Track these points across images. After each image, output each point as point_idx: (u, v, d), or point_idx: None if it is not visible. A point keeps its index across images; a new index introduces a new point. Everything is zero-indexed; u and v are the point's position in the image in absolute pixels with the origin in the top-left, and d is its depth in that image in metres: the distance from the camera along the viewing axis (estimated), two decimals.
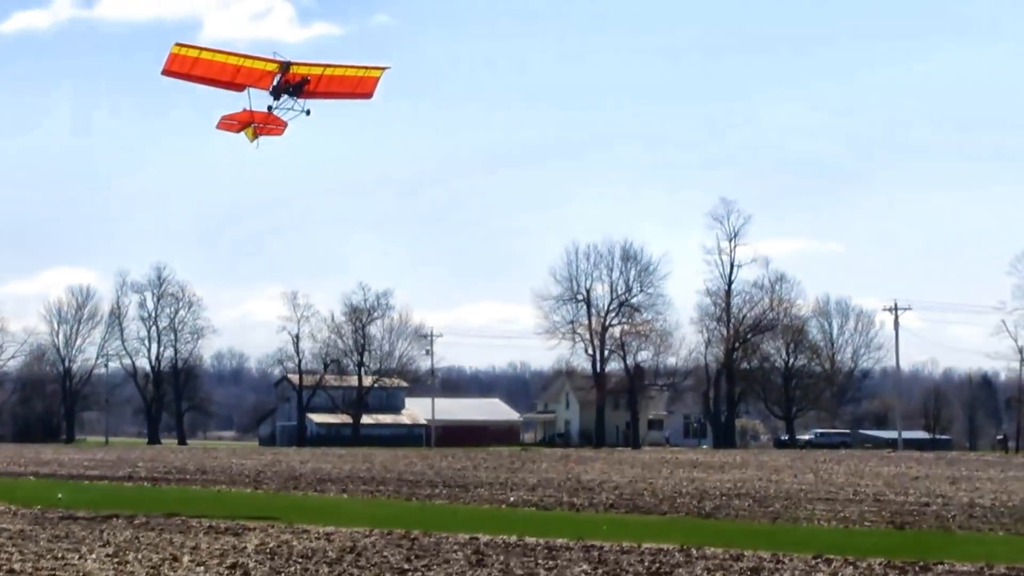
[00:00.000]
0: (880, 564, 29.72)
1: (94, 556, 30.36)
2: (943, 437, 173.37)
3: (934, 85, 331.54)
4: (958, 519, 47.23)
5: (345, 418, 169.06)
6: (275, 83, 31.93)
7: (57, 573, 27.10)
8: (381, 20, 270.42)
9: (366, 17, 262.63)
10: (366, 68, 32.83)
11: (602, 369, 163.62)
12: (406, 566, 29.15)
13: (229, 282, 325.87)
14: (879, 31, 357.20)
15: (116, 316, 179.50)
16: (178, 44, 30.40)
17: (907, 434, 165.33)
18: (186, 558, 30.36)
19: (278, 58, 31.93)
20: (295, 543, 34.47)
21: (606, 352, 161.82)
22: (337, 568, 28.83)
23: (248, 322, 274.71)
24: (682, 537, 36.60)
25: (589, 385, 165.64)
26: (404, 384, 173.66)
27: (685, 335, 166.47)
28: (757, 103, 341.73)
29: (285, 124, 33.12)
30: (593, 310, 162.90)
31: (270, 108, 32.46)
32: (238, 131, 33.81)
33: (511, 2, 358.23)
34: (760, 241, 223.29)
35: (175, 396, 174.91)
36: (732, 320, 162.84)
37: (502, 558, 30.76)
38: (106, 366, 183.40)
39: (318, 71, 31.91)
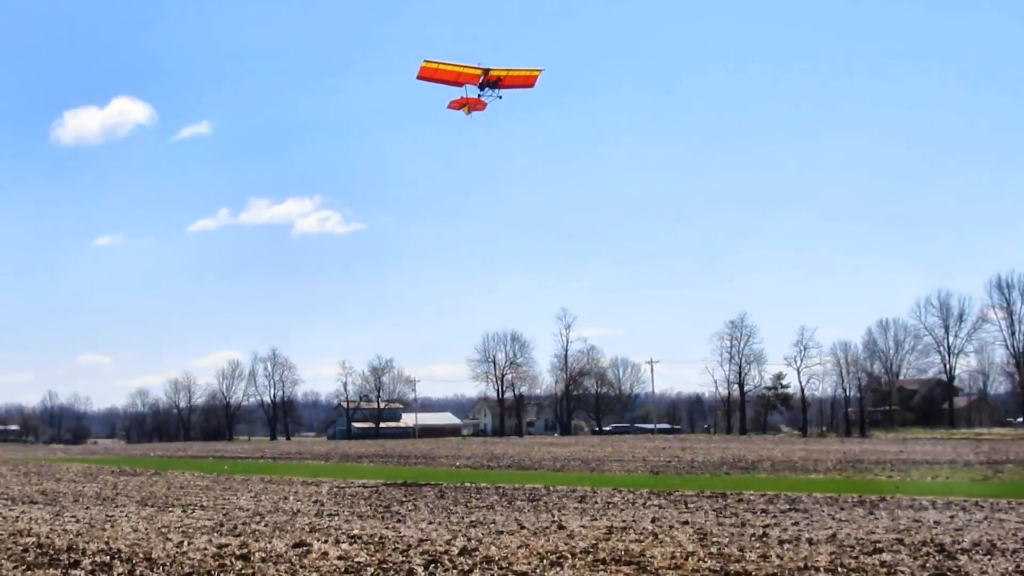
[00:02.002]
0: (646, 491, 45.29)
1: (245, 497, 46.32)
2: (678, 427, 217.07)
3: None
4: (685, 469, 70.43)
5: (371, 424, 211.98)
6: (480, 80, 37.68)
7: (223, 504, 41.96)
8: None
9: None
10: (530, 70, 38.22)
11: (501, 396, 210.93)
12: (402, 498, 44.54)
13: (308, 354, 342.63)
14: None
15: (252, 375, 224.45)
16: (426, 60, 37.20)
17: (660, 426, 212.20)
18: (291, 496, 46.11)
19: (481, 66, 37.76)
20: (347, 488, 51.44)
21: (504, 387, 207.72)
22: (366, 501, 44.36)
23: (320, 374, 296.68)
24: (545, 480, 55.34)
25: (495, 404, 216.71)
26: (400, 405, 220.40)
27: (545, 378, 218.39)
28: None
29: (486, 104, 38.31)
30: (496, 366, 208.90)
31: (479, 95, 38.17)
32: (458, 108, 38.68)
33: None
34: (583, 328, 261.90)
35: (283, 415, 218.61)
36: (569, 370, 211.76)
37: (455, 495, 46.15)
38: (247, 400, 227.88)
39: (503, 72, 37.54)
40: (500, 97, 37.98)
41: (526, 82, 38.39)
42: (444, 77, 37.10)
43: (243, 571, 23.16)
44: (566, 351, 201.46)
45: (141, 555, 26.17)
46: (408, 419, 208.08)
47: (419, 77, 36.60)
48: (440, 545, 27.53)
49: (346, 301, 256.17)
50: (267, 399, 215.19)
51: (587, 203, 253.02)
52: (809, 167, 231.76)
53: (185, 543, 28.83)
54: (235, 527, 33.31)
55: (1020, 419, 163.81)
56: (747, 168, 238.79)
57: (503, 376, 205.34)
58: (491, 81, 37.32)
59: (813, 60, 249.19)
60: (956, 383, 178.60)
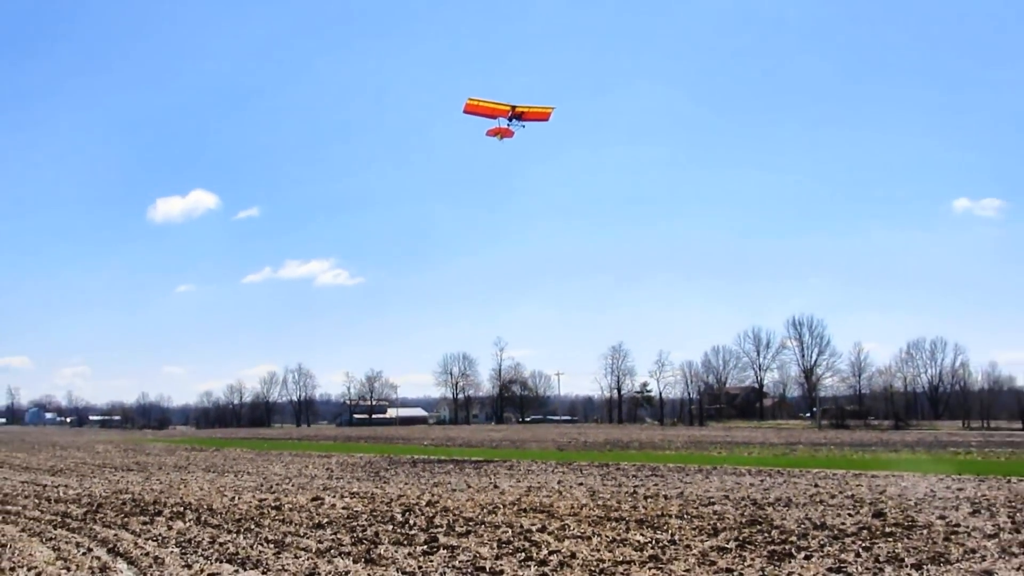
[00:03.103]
0: (554, 462, 45.38)
1: (278, 466, 46.28)
2: (576, 419, 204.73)
3: None
4: (581, 447, 69.23)
5: (366, 416, 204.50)
6: (510, 114, 34.04)
7: (263, 471, 42.08)
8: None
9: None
10: (545, 107, 34.86)
11: (455, 396, 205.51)
12: (387, 467, 44.74)
13: (323, 367, 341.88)
14: None
15: (284, 381, 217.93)
16: (470, 98, 34.26)
17: (564, 418, 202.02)
18: (310, 465, 45.99)
19: (510, 103, 34.21)
20: (348, 460, 51.21)
21: (457, 390, 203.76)
22: (362, 469, 44.21)
23: (332, 381, 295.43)
24: (484, 455, 54.58)
25: (451, 402, 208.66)
26: (386, 403, 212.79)
27: (485, 384, 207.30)
28: None
29: (514, 133, 34.71)
30: (452, 376, 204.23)
31: (508, 124, 34.28)
32: (494, 135, 34.96)
33: None
34: (512, 350, 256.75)
35: (305, 409, 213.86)
36: (502, 378, 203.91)
37: (423, 465, 46.28)
38: (280, 399, 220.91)
39: (526, 108, 34.44)
40: (523, 127, 35.27)
41: (542, 116, 35.69)
42: (483, 111, 34.76)
43: (276, 517, 22.95)
44: (500, 365, 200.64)
45: (205, 506, 26.11)
46: (391, 412, 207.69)
47: (465, 111, 34.60)
48: (413, 499, 27.53)
49: (350, 331, 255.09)
50: (294, 398, 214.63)
51: (517, 260, 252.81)
52: (671, 237, 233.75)
53: (236, 497, 28.80)
54: (271, 487, 33.24)
55: (807, 414, 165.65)
56: (628, 237, 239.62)
57: (457, 383, 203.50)
58: (517, 114, 34.77)
59: (672, 148, 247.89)
60: (764, 389, 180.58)
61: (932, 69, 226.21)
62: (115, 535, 19.80)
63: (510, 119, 34.74)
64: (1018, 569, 14.59)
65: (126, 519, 22.90)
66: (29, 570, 15.42)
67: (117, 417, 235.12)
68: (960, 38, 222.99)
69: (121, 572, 15.40)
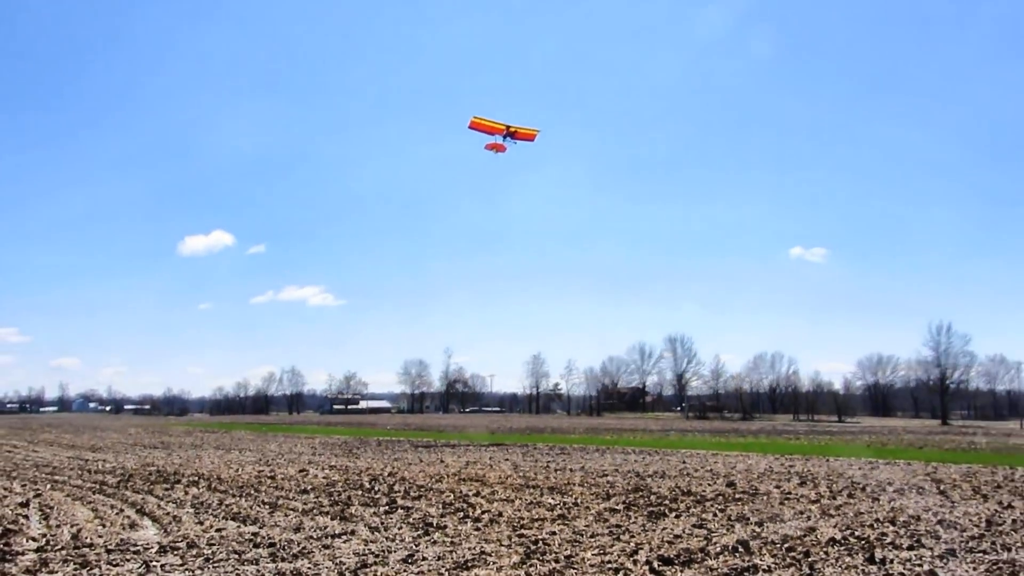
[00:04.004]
0: (487, 443, 45.01)
1: (273, 445, 45.37)
2: (505, 410, 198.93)
3: None
4: (507, 431, 68.63)
5: (343, 406, 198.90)
6: (505, 132, 31.67)
7: (261, 448, 41.15)
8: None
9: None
10: (533, 129, 32.26)
11: (413, 392, 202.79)
12: (358, 446, 44.13)
13: (311, 367, 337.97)
14: None
15: (281, 380, 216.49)
16: (475, 116, 31.83)
17: (495, 409, 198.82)
18: (298, 444, 45.19)
19: (505, 123, 31.91)
20: (328, 441, 50.13)
21: (415, 388, 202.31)
22: (339, 447, 43.52)
23: (318, 379, 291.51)
24: (433, 437, 53.66)
25: (410, 396, 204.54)
26: (360, 396, 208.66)
27: (436, 383, 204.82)
28: None
29: (507, 149, 32.24)
30: (411, 376, 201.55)
31: (503, 140, 31.93)
32: (491, 149, 32.51)
33: None
34: (457, 356, 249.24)
35: (296, 401, 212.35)
36: (448, 378, 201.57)
37: (386, 444, 45.86)
38: (277, 393, 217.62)
39: (516, 128, 31.97)
40: (516, 143, 32.90)
41: (530, 137, 33.20)
42: (484, 128, 32.55)
43: (271, 485, 22.56)
44: (448, 368, 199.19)
45: (215, 476, 25.62)
46: (363, 404, 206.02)
47: (470, 127, 32.27)
48: (378, 470, 27.23)
49: (333, 342, 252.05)
50: (288, 392, 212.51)
51: (462, 284, 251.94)
52: (581, 263, 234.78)
53: (240, 469, 28.26)
54: (267, 461, 32.71)
55: (678, 408, 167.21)
56: (548, 261, 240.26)
57: (414, 381, 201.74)
58: (511, 132, 32.69)
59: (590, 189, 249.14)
60: (646, 389, 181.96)
61: (774, 154, 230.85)
62: (142, 499, 19.37)
63: (504, 136, 32.96)
64: (834, 526, 14.76)
65: (151, 486, 22.40)
66: (72, 526, 15.07)
67: (147, 406, 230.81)
68: (793, 127, 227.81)
69: (147, 527, 15.10)
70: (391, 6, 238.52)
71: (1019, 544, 12.99)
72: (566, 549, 12.55)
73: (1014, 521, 15.45)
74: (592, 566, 11.41)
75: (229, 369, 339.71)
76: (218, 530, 14.55)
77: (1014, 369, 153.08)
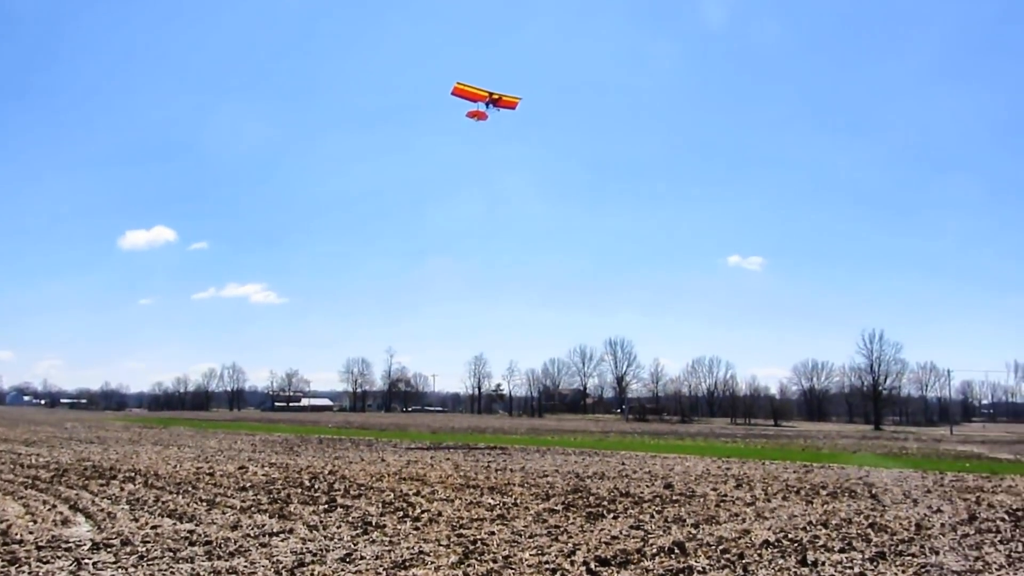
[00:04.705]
0: (427, 443, 45.10)
1: (213, 441, 44.65)
2: (448, 410, 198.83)
3: None
4: (449, 431, 68.49)
5: (285, 404, 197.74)
6: (488, 99, 30.29)
7: (201, 444, 40.40)
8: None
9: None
10: (514, 96, 30.86)
11: (355, 391, 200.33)
12: (299, 443, 43.71)
13: (253, 365, 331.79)
14: None
15: (221, 376, 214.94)
16: (458, 83, 30.42)
17: (438, 409, 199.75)
18: (239, 441, 44.38)
19: (489, 89, 30.50)
20: (269, 438, 49.53)
21: (357, 386, 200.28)
22: (280, 444, 43.18)
23: (259, 376, 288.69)
24: (375, 435, 53.06)
25: (352, 395, 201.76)
26: (301, 394, 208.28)
27: (378, 381, 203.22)
28: None
29: (487, 116, 30.56)
30: (353, 375, 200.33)
31: (486, 107, 30.40)
32: (472, 117, 30.70)
33: None
34: (400, 356, 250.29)
35: (237, 398, 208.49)
36: (391, 377, 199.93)
37: (327, 442, 45.61)
38: (218, 389, 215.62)
39: (499, 95, 30.60)
40: (498, 109, 31.15)
41: (512, 104, 31.53)
42: (467, 95, 30.93)
43: (209, 482, 22.26)
44: (390, 367, 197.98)
45: (152, 472, 25.20)
46: (305, 401, 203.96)
47: (453, 94, 30.71)
48: (318, 468, 27.02)
49: (275, 340, 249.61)
50: (229, 389, 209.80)
51: (405, 284, 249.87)
52: (524, 268, 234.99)
53: (178, 465, 27.87)
54: (206, 457, 32.29)
55: (618, 410, 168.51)
56: (489, 265, 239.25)
57: (356, 380, 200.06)
58: (494, 100, 31.05)
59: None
60: (587, 391, 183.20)
61: (714, 165, 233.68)
62: (76, 495, 18.97)
63: (487, 104, 31.47)
64: (768, 529, 14.99)
65: (86, 482, 21.95)
66: (2, 522, 14.64)
67: (84, 401, 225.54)
68: (733, 141, 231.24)
69: (80, 524, 14.77)
70: (339, 14, 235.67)
71: (947, 547, 13.31)
72: (504, 549, 12.56)
73: (942, 525, 15.82)
74: (530, 566, 11.42)
75: (169, 365, 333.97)
76: (153, 527, 14.27)
77: (944, 377, 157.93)
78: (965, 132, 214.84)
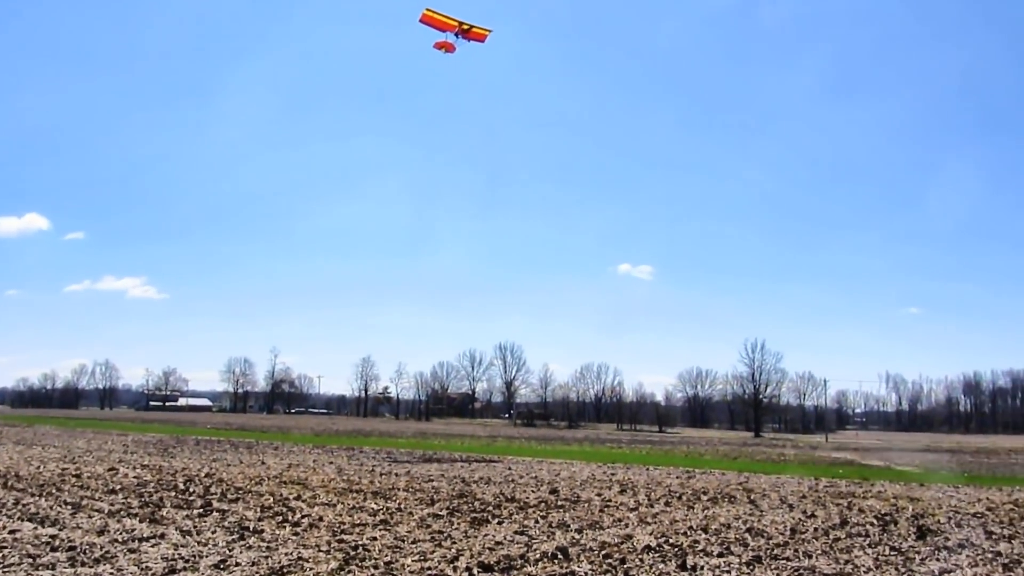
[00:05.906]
0: (311, 445, 44.29)
1: (81, 441, 42.74)
2: (333, 412, 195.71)
3: None
4: (333, 433, 68.34)
5: (161, 403, 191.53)
6: (457, 30, 28.95)
7: (68, 445, 38.97)
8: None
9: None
10: (484, 28, 29.49)
11: (236, 391, 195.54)
12: (174, 444, 42.20)
13: (127, 363, 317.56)
14: None
15: (93, 373, 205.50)
16: (427, 9, 29.20)
17: (323, 411, 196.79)
18: (109, 442, 42.47)
19: (460, 19, 29.33)
20: (142, 438, 47.57)
21: (238, 386, 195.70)
22: (153, 445, 41.49)
23: (135, 374, 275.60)
24: (255, 437, 52.27)
25: (233, 395, 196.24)
26: (179, 393, 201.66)
27: (261, 381, 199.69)
28: None
29: (456, 48, 29.30)
30: (234, 375, 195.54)
31: (455, 38, 28.97)
32: (440, 48, 29.52)
33: None
34: (284, 356, 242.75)
35: (109, 396, 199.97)
36: (274, 377, 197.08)
37: (204, 444, 44.07)
38: (89, 387, 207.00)
39: (469, 25, 29.35)
40: (468, 41, 29.72)
41: (481, 37, 30.14)
42: (437, 24, 29.43)
43: (75, 484, 21.25)
44: (273, 368, 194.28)
45: (13, 473, 23.93)
46: (182, 401, 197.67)
47: (421, 21, 29.30)
48: (194, 471, 26.15)
49: (153, 337, 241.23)
50: (100, 386, 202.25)
51: (291, 284, 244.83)
52: (412, 271, 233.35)
53: (41, 466, 26.60)
54: (73, 458, 30.92)
55: (507, 415, 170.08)
56: (378, 268, 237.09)
57: (238, 380, 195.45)
58: (464, 30, 29.58)
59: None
60: (476, 395, 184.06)
61: (605, 173, 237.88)
62: None
63: (456, 34, 30.18)
64: (650, 534, 15.25)
65: None
66: None
67: None
68: (624, 149, 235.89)
69: None
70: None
71: (819, 552, 13.79)
72: (386, 555, 12.40)
73: (816, 529, 16.32)
74: (412, 572, 11.32)
75: (36, 360, 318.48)
76: (12, 532, 13.54)
77: (820, 386, 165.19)
78: (853, 145, 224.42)
